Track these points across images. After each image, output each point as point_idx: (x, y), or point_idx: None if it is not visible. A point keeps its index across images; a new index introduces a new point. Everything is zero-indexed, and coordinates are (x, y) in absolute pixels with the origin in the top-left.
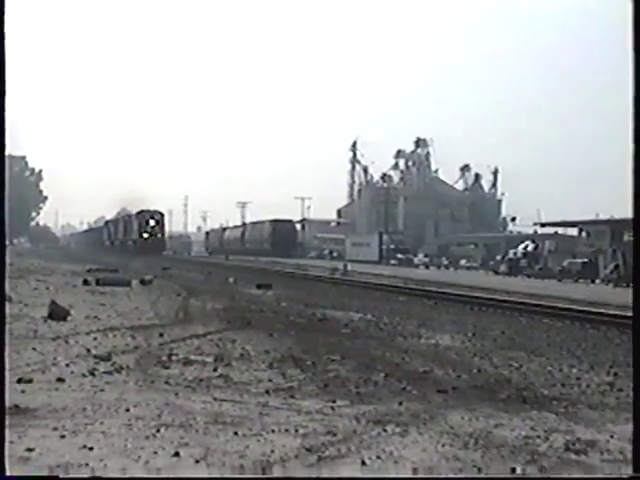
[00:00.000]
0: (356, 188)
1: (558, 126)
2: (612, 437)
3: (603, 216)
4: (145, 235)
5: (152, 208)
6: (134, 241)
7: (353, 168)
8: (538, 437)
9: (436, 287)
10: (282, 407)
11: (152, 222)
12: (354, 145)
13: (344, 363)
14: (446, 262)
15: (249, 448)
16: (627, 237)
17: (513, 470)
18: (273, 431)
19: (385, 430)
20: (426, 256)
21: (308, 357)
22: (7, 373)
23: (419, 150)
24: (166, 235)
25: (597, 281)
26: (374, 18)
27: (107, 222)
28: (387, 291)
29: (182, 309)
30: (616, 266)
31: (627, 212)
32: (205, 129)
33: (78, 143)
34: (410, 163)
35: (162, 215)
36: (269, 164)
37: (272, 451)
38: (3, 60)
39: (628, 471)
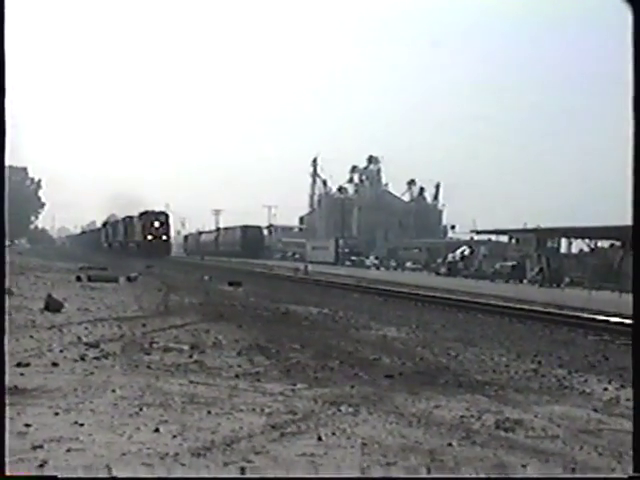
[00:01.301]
0: (316, 198)
1: (494, 144)
2: (536, 417)
3: (530, 225)
4: (150, 237)
5: (157, 209)
6: (137, 243)
7: (314, 181)
8: (472, 417)
9: (385, 286)
10: (249, 389)
11: (157, 223)
12: (314, 161)
13: (304, 351)
14: (394, 264)
15: (220, 425)
16: (550, 243)
17: (450, 444)
18: (241, 410)
19: (339, 410)
20: (377, 259)
21: (273, 346)
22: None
23: (371, 166)
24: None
25: (524, 282)
26: (331, 39)
27: (105, 224)
28: (342, 289)
29: (163, 303)
30: (540, 269)
31: (550, 222)
32: (184, 143)
33: (73, 151)
34: (363, 177)
35: (167, 216)
36: (241, 176)
37: (240, 428)
38: (3, 60)
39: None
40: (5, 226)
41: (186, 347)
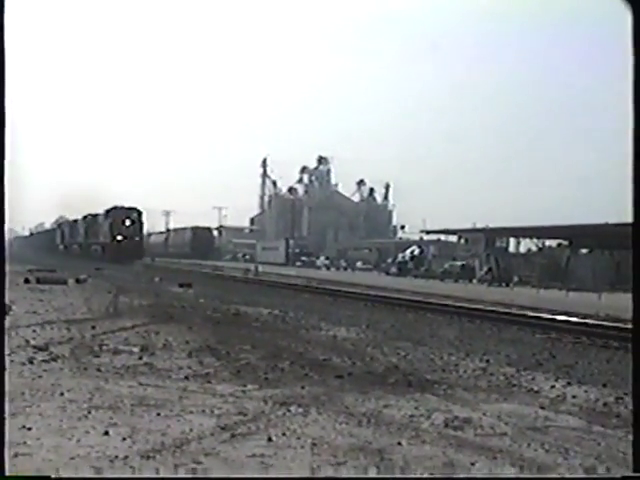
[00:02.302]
0: (266, 199)
1: (445, 143)
2: (484, 415)
3: (479, 225)
4: (119, 237)
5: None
6: (103, 245)
7: (263, 182)
8: (421, 416)
9: (335, 286)
10: (199, 391)
11: (128, 222)
12: (264, 162)
13: (254, 352)
14: (344, 264)
15: (170, 427)
16: (499, 243)
17: (399, 443)
18: (191, 412)
19: (289, 410)
20: (327, 259)
21: (223, 347)
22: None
23: (321, 167)
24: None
25: (474, 281)
26: (282, 41)
27: (60, 224)
28: (293, 289)
29: (112, 305)
30: (489, 268)
31: (499, 222)
32: (134, 144)
33: (19, 150)
34: (313, 178)
35: (140, 213)
36: (191, 177)
37: (190, 429)
38: (3, 61)
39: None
40: (5, 226)
41: (136, 349)
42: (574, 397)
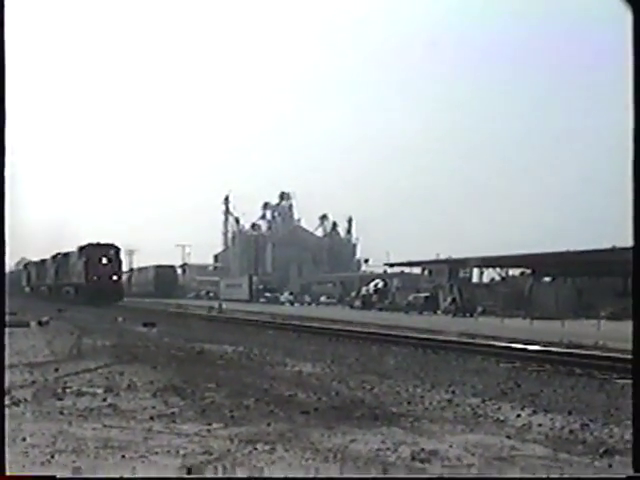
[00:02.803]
0: (230, 236)
1: (404, 177)
2: (451, 446)
3: (442, 256)
4: (95, 278)
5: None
6: (77, 286)
7: (226, 219)
8: (388, 449)
9: (299, 321)
10: (164, 431)
11: (105, 260)
12: (226, 199)
13: (219, 390)
14: (308, 299)
15: (135, 469)
16: (462, 273)
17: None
18: (156, 453)
19: (255, 448)
20: (291, 294)
21: (187, 386)
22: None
23: (283, 202)
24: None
25: (438, 312)
26: (241, 74)
27: (26, 265)
28: (257, 326)
29: (75, 346)
30: (453, 299)
31: (462, 252)
32: (95, 184)
33: None
34: (276, 214)
35: (118, 251)
36: (154, 215)
37: (156, 471)
38: (3, 62)
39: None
40: (5, 229)
41: (100, 390)
42: (540, 425)
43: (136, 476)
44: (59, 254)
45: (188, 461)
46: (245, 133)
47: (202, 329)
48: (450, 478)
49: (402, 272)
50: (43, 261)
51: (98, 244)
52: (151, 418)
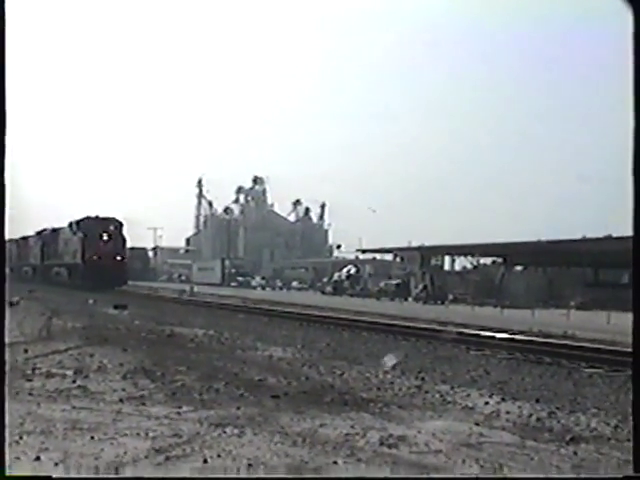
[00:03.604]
0: (202, 219)
1: (377, 163)
2: (419, 432)
3: (415, 243)
4: (95, 257)
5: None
6: (71, 267)
7: (199, 202)
8: (357, 434)
9: (271, 306)
10: (134, 413)
11: (106, 236)
12: (200, 182)
13: (189, 373)
14: (280, 284)
15: (104, 451)
16: (434, 261)
17: (335, 462)
18: (126, 435)
19: (225, 432)
20: (263, 279)
21: (158, 369)
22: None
23: (257, 187)
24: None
25: (409, 299)
26: (215, 57)
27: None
28: (228, 310)
29: (45, 328)
30: (424, 286)
31: (435, 239)
32: (68, 165)
33: None
34: (249, 198)
35: (121, 226)
36: (126, 198)
37: (125, 452)
38: (3, 62)
39: None
40: (5, 227)
41: (69, 372)
42: (508, 413)
43: (137, 476)
44: (46, 230)
45: (157, 444)
46: (220, 117)
47: (173, 312)
48: (450, 478)
49: (374, 259)
50: (25, 238)
51: (97, 218)
52: (121, 400)
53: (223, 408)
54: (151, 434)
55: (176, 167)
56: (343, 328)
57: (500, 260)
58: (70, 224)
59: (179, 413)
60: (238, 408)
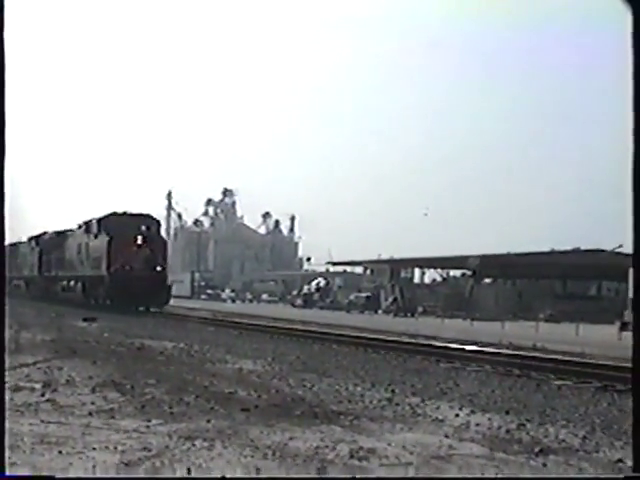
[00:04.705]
0: (172, 232)
1: (347, 175)
2: (389, 445)
3: (384, 256)
4: (126, 267)
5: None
6: (91, 280)
7: (168, 215)
8: (327, 447)
9: (240, 319)
10: (103, 427)
11: (140, 239)
12: (169, 195)
13: (159, 386)
14: (250, 296)
15: (72, 465)
16: (404, 274)
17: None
18: (94, 449)
19: (194, 445)
20: (233, 291)
21: (127, 382)
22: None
23: (226, 199)
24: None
25: (379, 312)
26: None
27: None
28: (198, 322)
29: (13, 341)
30: (395, 299)
31: (405, 253)
32: (35, 180)
33: None
34: (219, 210)
35: (159, 225)
36: (91, 211)
37: (93, 467)
38: (3, 61)
39: None
40: (5, 227)
41: (38, 385)
42: (477, 425)
43: (136, 476)
44: (45, 233)
45: (126, 457)
46: (189, 128)
47: (143, 325)
48: (450, 478)
49: (344, 271)
50: (14, 245)
51: (127, 214)
52: (89, 414)
53: (193, 421)
54: (120, 448)
55: (145, 180)
56: (313, 341)
57: (469, 273)
58: (86, 224)
59: (148, 426)
60: (208, 421)
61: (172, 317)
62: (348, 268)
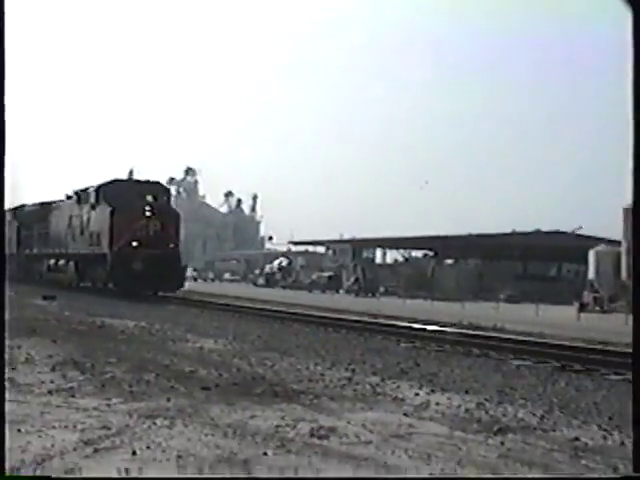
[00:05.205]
0: None
1: (309, 155)
2: (349, 423)
3: (346, 236)
4: (133, 243)
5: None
6: (89, 259)
7: None
8: (287, 425)
9: (202, 297)
10: (62, 405)
11: (148, 210)
12: (131, 173)
13: (120, 365)
14: (212, 276)
15: (31, 443)
16: (366, 254)
17: (265, 454)
18: (54, 427)
19: (155, 423)
20: (195, 270)
21: (88, 360)
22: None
23: (188, 178)
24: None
25: (341, 291)
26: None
27: None
28: (159, 301)
29: None
30: (356, 279)
31: (366, 232)
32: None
33: None
34: (181, 189)
35: (169, 194)
36: (53, 190)
37: (52, 445)
38: (3, 61)
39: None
40: (5, 227)
41: None
42: (437, 404)
43: (136, 476)
44: (24, 206)
45: (86, 436)
46: (151, 107)
47: (104, 303)
48: (450, 478)
49: (306, 251)
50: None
51: (132, 181)
52: (49, 392)
53: (153, 400)
54: (79, 426)
55: (106, 157)
56: (274, 320)
57: (431, 253)
58: (79, 193)
59: (108, 405)
60: (168, 400)
61: (133, 296)
62: (310, 248)
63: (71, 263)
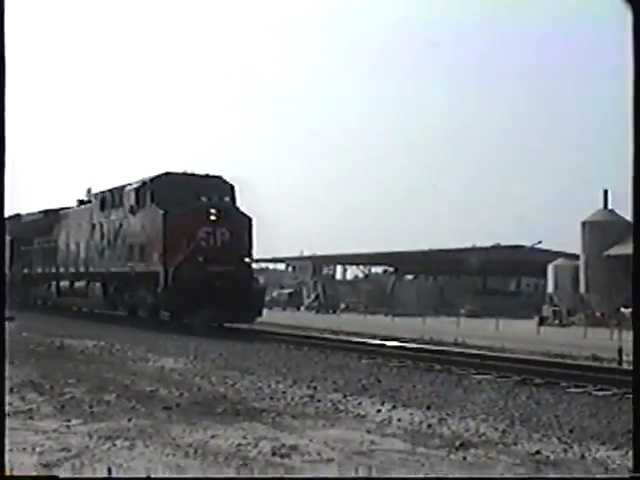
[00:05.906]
0: None
1: (267, 169)
2: (311, 441)
3: (307, 253)
4: (199, 258)
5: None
6: (135, 280)
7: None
8: (249, 444)
9: (162, 317)
10: (21, 428)
11: (214, 214)
12: (89, 192)
13: (79, 386)
14: None
15: None
16: (326, 270)
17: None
18: (11, 450)
19: (115, 445)
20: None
21: (46, 381)
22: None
23: None
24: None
25: (302, 308)
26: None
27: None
28: (118, 321)
29: None
30: (317, 296)
31: (327, 249)
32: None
33: None
34: None
35: (234, 195)
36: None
37: (11, 469)
38: (3, 60)
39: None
40: (5, 228)
41: None
42: (399, 420)
43: (136, 476)
44: (18, 215)
45: (45, 458)
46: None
47: (63, 323)
48: (450, 478)
49: (267, 268)
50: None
51: (188, 175)
52: (7, 415)
53: (114, 420)
54: (38, 449)
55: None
56: (236, 338)
57: (391, 269)
58: (112, 191)
59: (68, 427)
60: (129, 420)
61: (93, 315)
62: (270, 265)
63: (96, 285)
